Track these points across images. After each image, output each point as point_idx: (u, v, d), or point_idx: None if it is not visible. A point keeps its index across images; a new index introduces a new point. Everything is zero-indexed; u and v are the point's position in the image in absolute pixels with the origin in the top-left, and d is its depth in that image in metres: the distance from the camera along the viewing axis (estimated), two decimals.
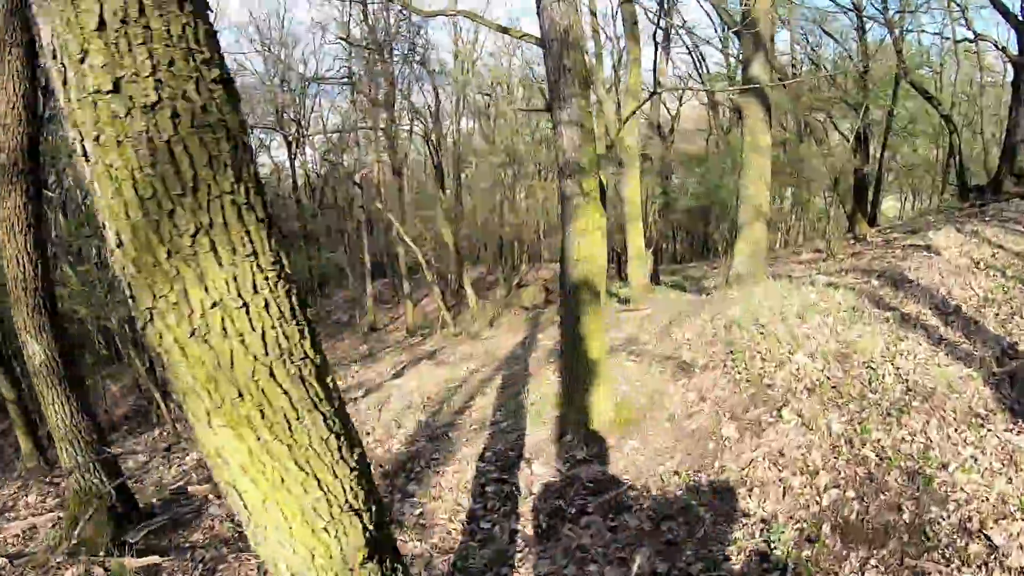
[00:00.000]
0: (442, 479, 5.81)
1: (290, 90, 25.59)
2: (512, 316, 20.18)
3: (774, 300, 8.21)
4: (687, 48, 25.62)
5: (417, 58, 19.87)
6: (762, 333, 7.14)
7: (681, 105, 27.79)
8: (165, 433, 11.08)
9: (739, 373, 6.46)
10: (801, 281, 9.96)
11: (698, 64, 26.04)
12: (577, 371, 6.16)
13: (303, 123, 26.84)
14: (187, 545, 5.56)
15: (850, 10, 17.53)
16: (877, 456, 4.67)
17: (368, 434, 7.67)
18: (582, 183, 5.51)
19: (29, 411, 10.50)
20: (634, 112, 11.36)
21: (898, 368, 5.82)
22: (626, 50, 14.83)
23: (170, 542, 5.67)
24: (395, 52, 19.80)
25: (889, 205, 28.79)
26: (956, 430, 4.79)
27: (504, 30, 12.33)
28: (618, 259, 21.45)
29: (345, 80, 20.62)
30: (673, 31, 17.65)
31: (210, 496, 6.62)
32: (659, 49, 17.89)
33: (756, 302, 8.39)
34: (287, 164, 27.71)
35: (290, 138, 25.85)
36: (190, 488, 6.89)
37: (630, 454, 5.58)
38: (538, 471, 5.54)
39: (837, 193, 16.31)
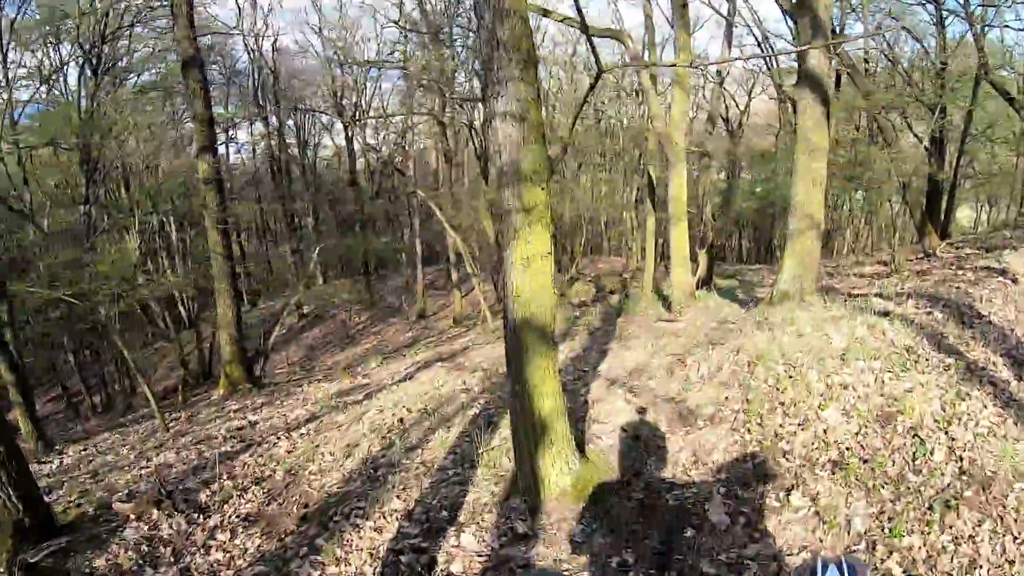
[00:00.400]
0: (357, 536, 4.86)
1: (349, 73, 25.17)
2: (558, 313, 19.12)
3: (815, 331, 6.92)
4: (756, 41, 23.63)
5: (469, 42, 18.87)
6: (791, 376, 5.90)
7: (751, 99, 25.90)
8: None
9: (751, 431, 5.28)
10: (854, 304, 8.56)
11: (769, 58, 24.06)
12: (525, 428, 4.85)
13: (360, 107, 26.41)
14: (87, 571, 4.91)
15: (929, 2, 15.62)
16: (904, 573, 3.49)
17: (312, 461, 6.85)
18: (524, 195, 4.10)
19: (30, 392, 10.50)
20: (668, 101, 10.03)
21: (952, 440, 4.54)
22: (674, 36, 13.44)
23: (75, 564, 5.04)
24: (450, 36, 18.90)
25: (964, 214, 26.08)
26: (1017, 542, 3.55)
27: (546, 12, 11.31)
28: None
29: (397, 64, 19.95)
30: (738, 20, 16.04)
31: (131, 516, 5.98)
32: (723, 40, 16.32)
33: (793, 330, 7.13)
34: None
35: (347, 122, 25.44)
36: (115, 505, 6.27)
37: (584, 537, 4.45)
38: (466, 543, 4.50)
39: (906, 201, 14.44)
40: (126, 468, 7.94)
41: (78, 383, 20.32)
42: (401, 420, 7.43)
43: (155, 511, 6.12)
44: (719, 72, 16.88)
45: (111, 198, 17.21)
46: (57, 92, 18.72)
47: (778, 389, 5.74)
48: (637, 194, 26.21)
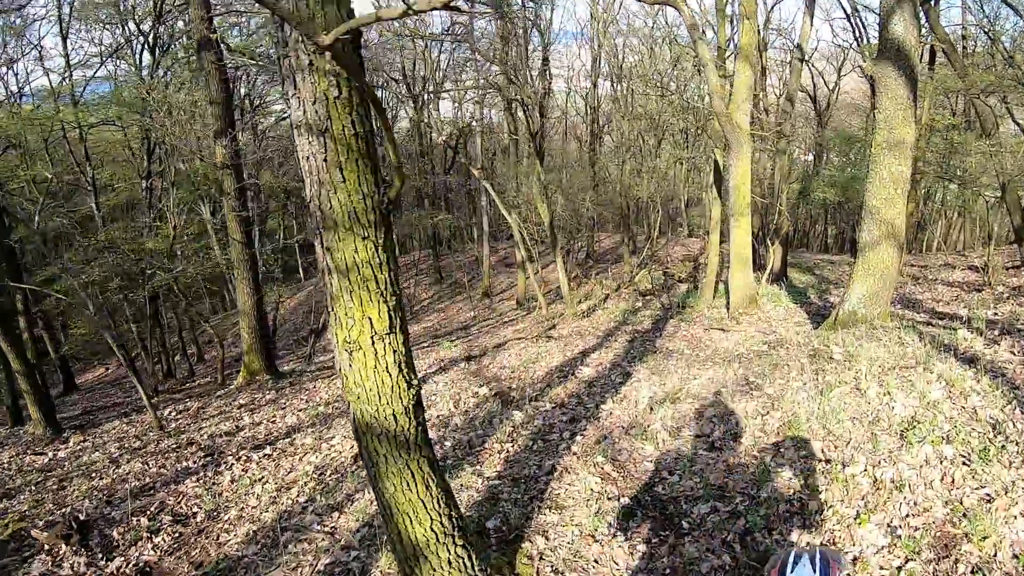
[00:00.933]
0: None
1: (421, 47, 23.97)
2: (618, 302, 17.58)
3: (876, 385, 5.28)
4: (845, 13, 20.41)
5: (530, 16, 17.23)
6: (827, 461, 4.31)
7: (840, 77, 22.72)
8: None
9: (752, 550, 3.71)
10: (934, 337, 6.68)
11: (859, 33, 20.67)
12: (399, 549, 3.29)
13: (430, 81, 25.21)
14: None
15: None
16: None
17: (241, 501, 5.82)
18: (337, 248, 2.59)
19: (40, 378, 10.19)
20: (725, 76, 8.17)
21: None
22: (738, 3, 11.34)
23: None
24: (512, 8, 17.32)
25: None
26: None
27: None
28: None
29: (461, 39, 18.59)
30: None
31: (46, 546, 5.20)
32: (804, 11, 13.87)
33: (850, 380, 5.49)
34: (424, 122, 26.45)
35: (417, 96, 24.37)
36: (33, 532, 5.52)
37: None
38: None
39: (1005, 200, 11.73)
40: (97, 474, 7.32)
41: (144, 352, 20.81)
42: (354, 458, 6.30)
43: (63, 546, 5.35)
44: (799, 46, 14.41)
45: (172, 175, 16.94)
46: (119, 70, 18.63)
47: (805, 482, 4.14)
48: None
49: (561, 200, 20.02)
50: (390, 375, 2.67)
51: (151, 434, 8.82)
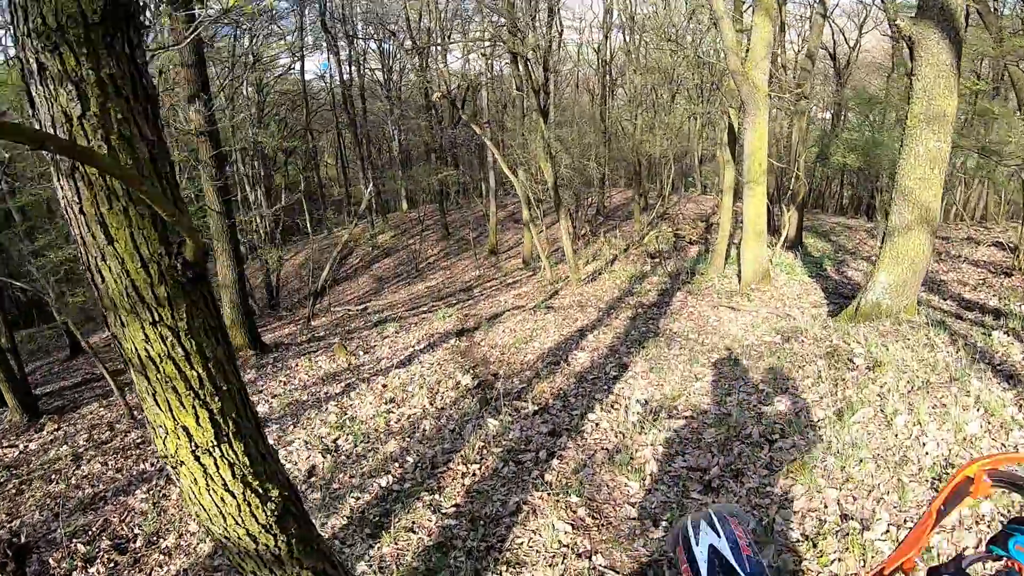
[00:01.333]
0: None
1: None
2: (626, 265, 16.69)
3: (904, 409, 4.48)
4: None
5: None
6: (844, 518, 3.50)
7: (862, 35, 20.93)
8: None
9: None
10: (967, 338, 5.81)
11: None
12: None
13: (436, 32, 23.75)
14: None
15: None
16: None
17: (181, 524, 5.12)
18: (130, 336, 1.73)
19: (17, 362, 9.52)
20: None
21: None
22: None
23: None
24: None
25: None
26: None
27: None
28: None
29: None
30: None
31: None
32: None
33: (873, 398, 4.67)
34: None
35: (423, 49, 22.97)
36: None
37: None
38: None
39: None
40: (57, 476, 6.71)
41: None
42: (312, 469, 5.59)
43: None
44: (822, 1, 12.95)
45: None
46: None
47: (815, 547, 3.34)
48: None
49: (567, 159, 18.84)
50: (231, 493, 1.88)
51: (122, 423, 8.21)
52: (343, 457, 5.79)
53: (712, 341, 8.06)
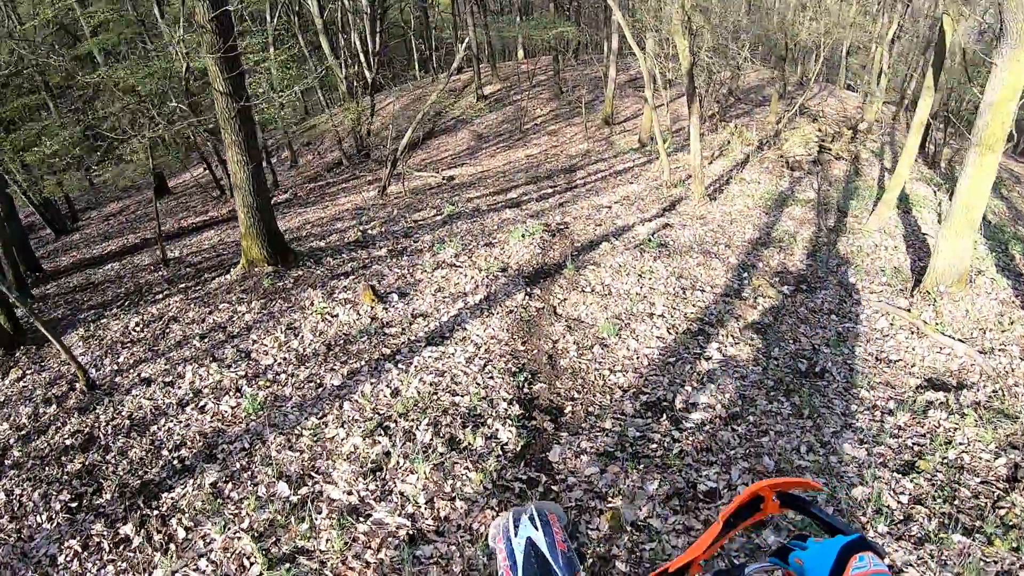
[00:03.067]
0: None
1: None
2: (759, 176, 12.41)
3: None
4: None
5: None
6: None
7: None
8: None
9: None
10: None
11: None
12: None
13: None
14: None
15: None
16: None
17: None
18: None
19: None
20: None
21: None
22: None
23: None
24: None
25: None
26: None
27: None
28: None
29: None
30: None
31: None
32: None
33: None
34: None
35: None
36: None
37: None
38: None
39: None
40: None
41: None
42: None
43: None
44: None
45: None
46: None
47: None
48: (896, 32, 16.28)
49: (709, 38, 13.65)
50: None
51: (76, 387, 5.76)
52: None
53: (893, 396, 4.60)
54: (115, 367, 6.05)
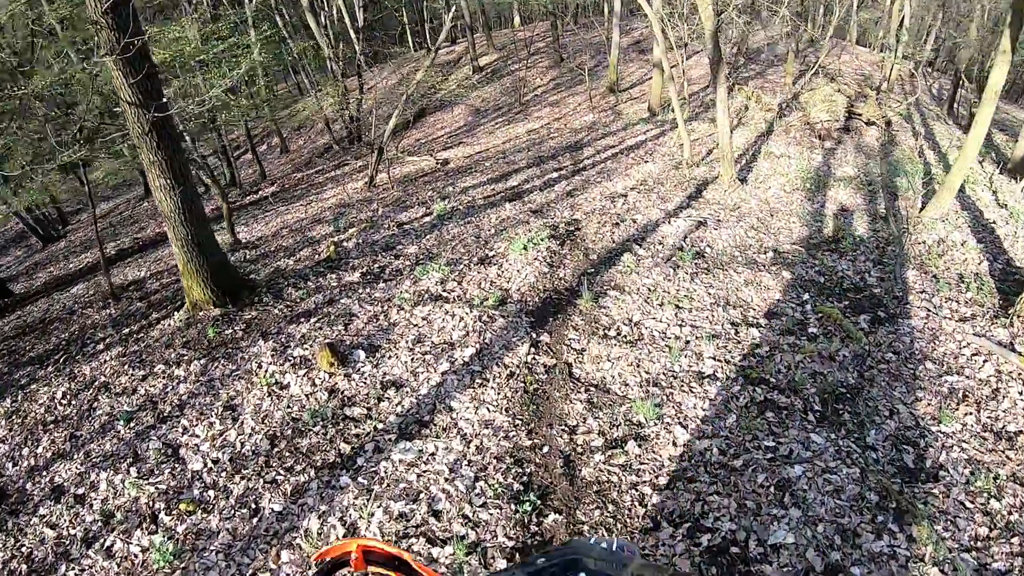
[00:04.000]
0: None
1: None
2: (788, 148, 10.51)
3: None
4: None
5: None
6: None
7: None
8: None
9: None
10: None
11: None
12: None
13: None
14: None
15: None
16: None
17: None
18: None
19: None
20: None
21: None
22: None
23: None
24: None
25: None
26: None
27: None
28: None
29: None
30: None
31: None
32: None
33: None
34: None
35: None
36: None
37: None
38: None
39: None
40: None
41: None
42: None
43: None
44: None
45: None
46: None
47: None
48: None
49: None
50: None
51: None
52: None
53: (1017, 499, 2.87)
54: (31, 462, 4.55)
